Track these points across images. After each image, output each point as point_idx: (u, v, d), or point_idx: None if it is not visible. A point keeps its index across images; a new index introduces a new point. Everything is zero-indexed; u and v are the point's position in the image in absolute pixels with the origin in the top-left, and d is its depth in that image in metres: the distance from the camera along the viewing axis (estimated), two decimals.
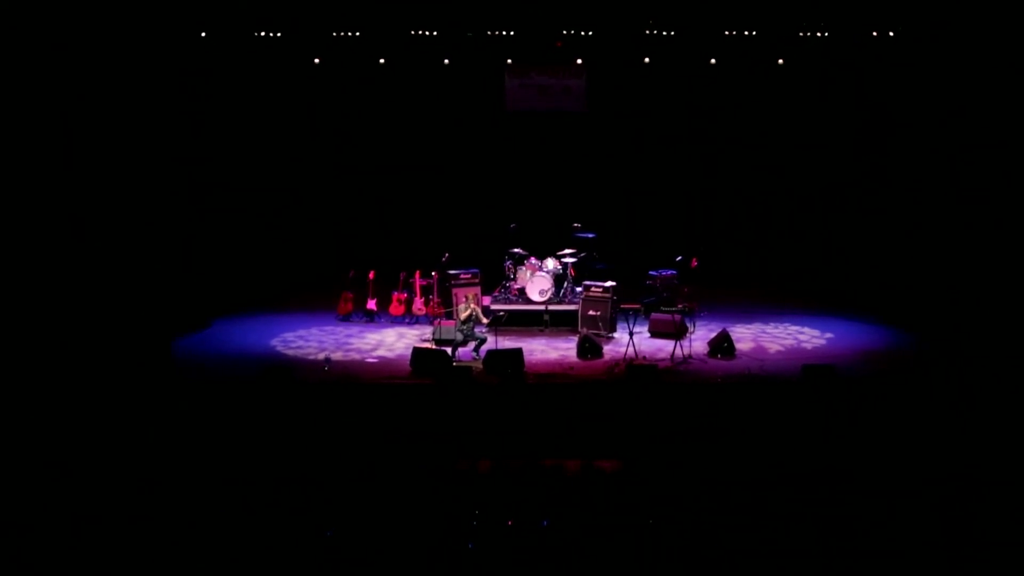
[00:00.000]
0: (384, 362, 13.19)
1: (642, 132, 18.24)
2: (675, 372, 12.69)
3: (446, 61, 17.24)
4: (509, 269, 15.22)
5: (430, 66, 17.35)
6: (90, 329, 12.40)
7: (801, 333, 14.68)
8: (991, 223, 14.40)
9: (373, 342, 14.21)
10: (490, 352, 12.72)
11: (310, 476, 9.35)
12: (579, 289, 14.88)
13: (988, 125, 14.50)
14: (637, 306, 14.51)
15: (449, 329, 13.51)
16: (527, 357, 12.85)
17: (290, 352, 13.74)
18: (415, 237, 17.59)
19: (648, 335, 14.23)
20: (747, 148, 18.15)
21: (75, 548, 7.98)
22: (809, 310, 15.96)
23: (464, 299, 13.74)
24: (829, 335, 14.51)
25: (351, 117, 18.26)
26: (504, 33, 16.77)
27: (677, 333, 13.39)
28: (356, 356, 13.48)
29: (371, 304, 15.27)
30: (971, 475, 9.33)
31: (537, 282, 14.84)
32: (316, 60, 17.02)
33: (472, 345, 13.29)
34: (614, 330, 14.41)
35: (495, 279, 15.41)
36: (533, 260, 15.06)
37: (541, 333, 14.63)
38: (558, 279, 14.99)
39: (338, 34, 16.61)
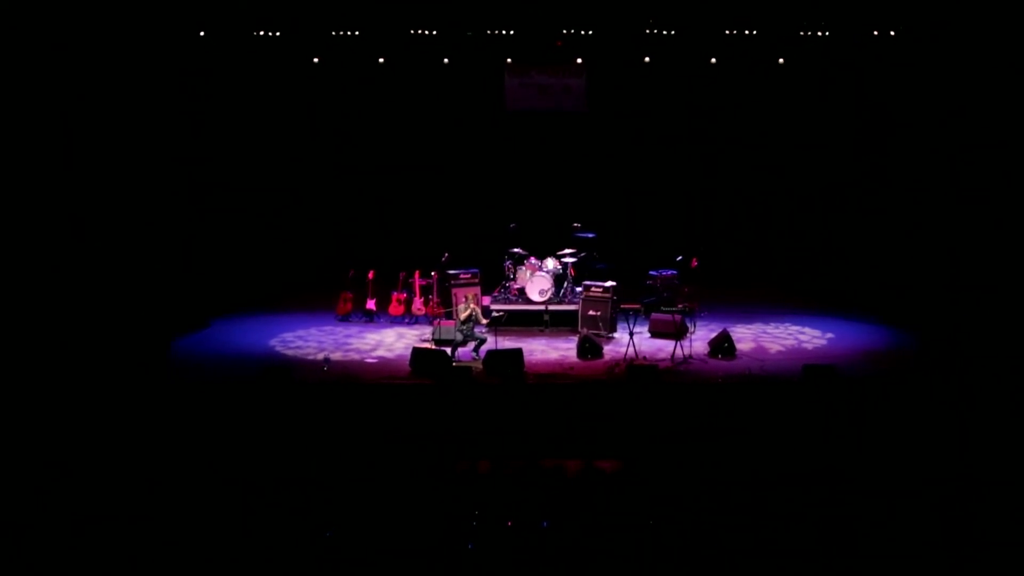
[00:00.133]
0: (384, 362, 13.17)
1: (642, 132, 18.22)
2: (675, 372, 12.67)
3: (446, 60, 17.22)
4: (509, 269, 15.19)
5: (430, 65, 17.33)
6: (89, 329, 12.41)
7: (802, 333, 14.66)
8: (991, 223, 14.39)
9: (372, 342, 14.19)
10: (490, 352, 12.71)
11: (309, 477, 9.33)
12: (579, 289, 14.85)
13: (988, 125, 14.48)
14: (637, 306, 14.48)
15: (449, 329, 13.49)
16: (527, 357, 12.83)
17: (289, 352, 13.72)
18: (415, 237, 17.57)
19: (648, 335, 14.20)
20: (747, 148, 18.13)
21: (75, 548, 7.97)
22: (810, 310, 15.95)
23: (464, 299, 13.71)
24: (830, 335, 14.49)
25: (351, 117, 18.24)
26: (504, 32, 16.75)
27: (677, 333, 13.36)
28: (355, 356, 13.46)
29: (370, 304, 15.24)
30: (971, 475, 9.32)
31: (537, 282, 14.82)
32: (315, 60, 17.01)
33: (472, 345, 13.27)
34: (614, 330, 14.39)
35: (495, 279, 15.38)
36: (533, 260, 15.03)
37: (541, 333, 14.61)
38: (558, 279, 14.97)
39: (337, 33, 16.58)
